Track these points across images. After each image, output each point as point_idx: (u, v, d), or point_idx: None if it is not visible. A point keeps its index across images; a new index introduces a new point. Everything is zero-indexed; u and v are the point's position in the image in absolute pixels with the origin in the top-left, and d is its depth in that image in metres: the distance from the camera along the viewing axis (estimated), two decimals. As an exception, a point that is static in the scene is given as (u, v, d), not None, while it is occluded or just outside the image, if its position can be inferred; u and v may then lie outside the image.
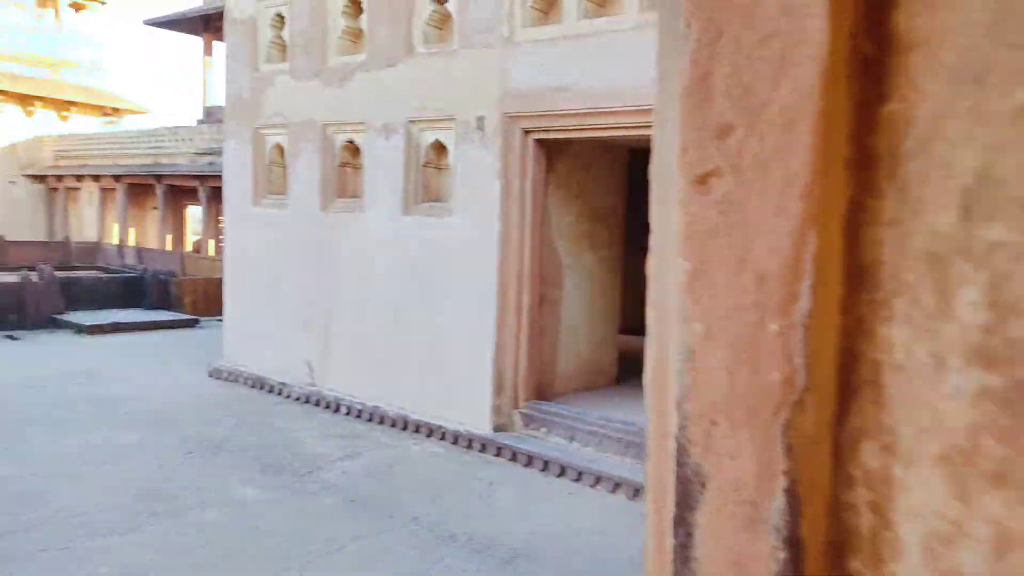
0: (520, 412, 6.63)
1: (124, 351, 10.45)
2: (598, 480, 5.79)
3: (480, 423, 6.63)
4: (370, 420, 7.40)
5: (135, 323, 12.31)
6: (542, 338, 6.88)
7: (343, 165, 7.70)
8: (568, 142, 6.65)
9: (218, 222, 25.11)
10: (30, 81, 27.54)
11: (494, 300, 6.51)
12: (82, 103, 28.74)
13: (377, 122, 7.18)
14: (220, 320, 14.03)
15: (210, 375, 9.02)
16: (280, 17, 7.97)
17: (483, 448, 6.58)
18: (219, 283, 15.51)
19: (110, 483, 5.48)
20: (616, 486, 5.70)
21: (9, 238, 23.43)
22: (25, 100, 27.45)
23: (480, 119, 6.50)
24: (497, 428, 6.60)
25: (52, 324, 12.00)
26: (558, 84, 5.98)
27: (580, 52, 5.85)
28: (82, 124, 29.01)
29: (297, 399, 8.07)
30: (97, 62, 29.84)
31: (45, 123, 28.20)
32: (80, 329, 11.68)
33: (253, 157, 8.28)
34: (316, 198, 7.76)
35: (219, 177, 21.06)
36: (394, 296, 7.23)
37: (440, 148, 6.99)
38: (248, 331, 8.69)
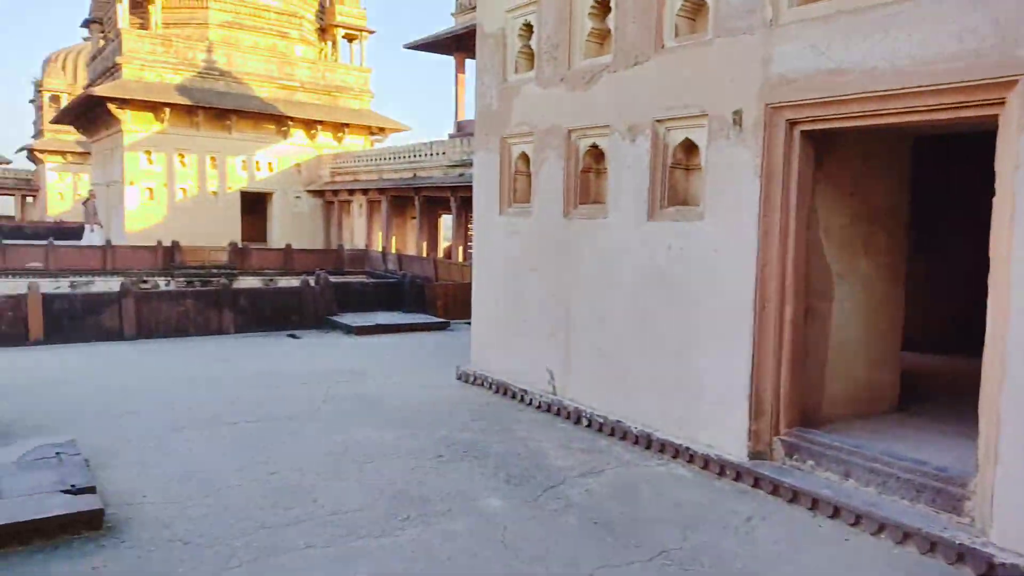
0: (782, 440, 5.91)
1: (384, 351, 11.24)
2: (881, 527, 4.93)
3: (733, 448, 6.02)
4: (611, 435, 7.10)
5: (394, 325, 13.26)
6: (807, 356, 6.09)
7: (585, 171, 7.49)
8: (841, 133, 5.81)
9: (467, 230, 26.60)
10: (313, 107, 31.38)
11: (751, 312, 5.87)
12: (354, 124, 32.15)
13: (622, 124, 6.86)
14: (468, 323, 14.69)
15: (458, 378, 9.33)
16: (528, 26, 7.99)
17: (737, 477, 5.96)
18: (468, 288, 16.29)
19: (368, 482, 5.74)
20: (905, 536, 4.80)
21: (295, 246, 26.90)
22: (309, 124, 31.35)
23: (737, 113, 5.90)
24: (753, 456, 5.94)
25: (326, 324, 13.31)
26: (834, 67, 5.21)
27: (862, 27, 5.04)
28: (353, 143, 32.45)
29: (538, 407, 8.01)
30: (365, 86, 33.18)
31: (324, 144, 31.96)
32: (348, 330, 12.82)
33: (500, 166, 8.40)
34: (558, 205, 7.64)
35: (469, 187, 22.23)
36: (638, 306, 6.86)
37: (689, 148, 6.50)
38: (493, 337, 8.84)
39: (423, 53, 25.66)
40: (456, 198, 23.21)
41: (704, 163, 6.24)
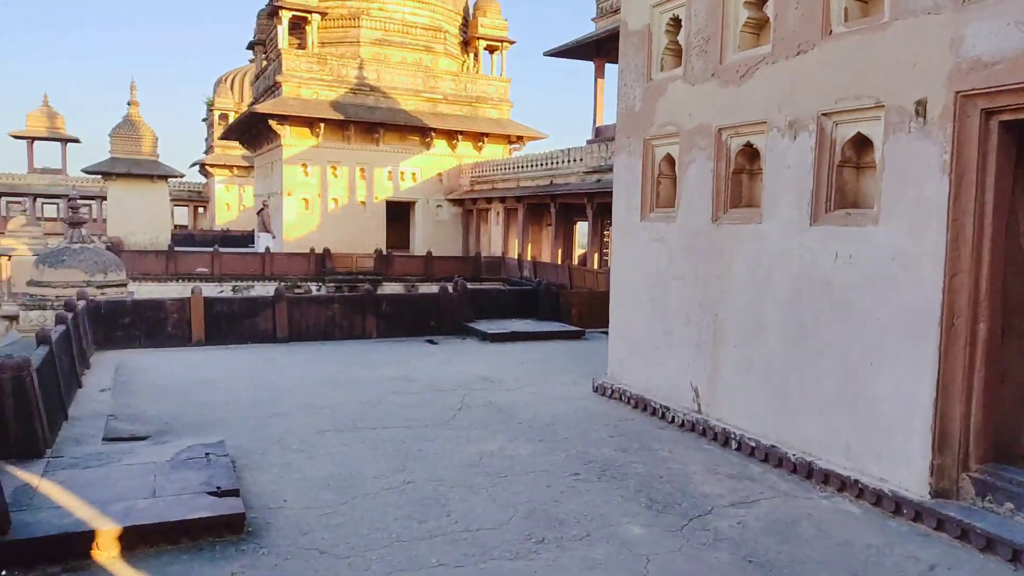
0: (972, 477, 5.10)
1: (519, 359, 11.08)
2: (1109, 594, 4.08)
3: (911, 484, 5.27)
4: (765, 460, 6.48)
5: (529, 332, 13.09)
6: (1004, 380, 5.24)
7: (738, 172, 6.93)
8: (1052, 123, 4.95)
9: (602, 236, 26.16)
10: (455, 118, 32.12)
11: (936, 328, 5.12)
12: (493, 133, 32.62)
13: (781, 120, 6.27)
14: (604, 332, 14.30)
15: (594, 390, 8.97)
16: (675, 21, 7.54)
17: (916, 517, 5.21)
18: (603, 296, 15.89)
19: (502, 498, 5.51)
20: None
21: (435, 254, 27.61)
22: (451, 135, 32.14)
23: (920, 103, 5.18)
24: (937, 494, 5.17)
25: (462, 331, 13.36)
26: (1047, 43, 4.42)
27: (1087, -6, 4.23)
28: (492, 152, 32.92)
29: (681, 425, 7.50)
30: (505, 96, 33.58)
31: (464, 153, 32.64)
32: (484, 336, 12.79)
33: (642, 170, 7.99)
34: (707, 209, 7.12)
35: (606, 193, 21.81)
36: (796, 318, 6.22)
37: (861, 143, 5.80)
38: (632, 348, 8.42)
39: (562, 60, 25.53)
40: (592, 204, 22.86)
41: (879, 160, 5.54)
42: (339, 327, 12.71)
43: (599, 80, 24.33)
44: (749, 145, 6.72)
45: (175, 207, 58.90)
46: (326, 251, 25.99)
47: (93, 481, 5.15)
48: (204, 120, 58.87)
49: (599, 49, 23.62)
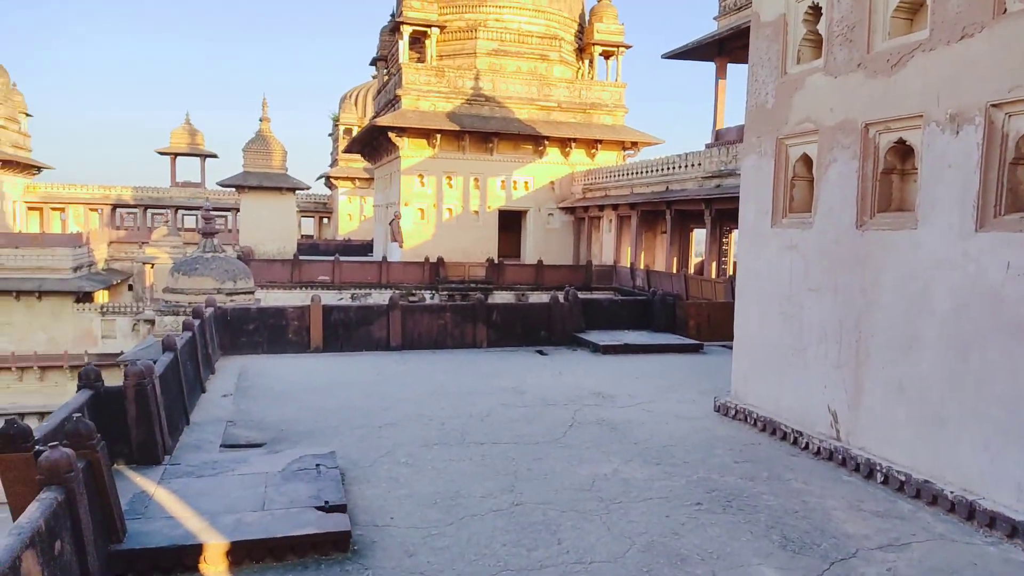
0: None
1: (633, 373, 10.58)
2: None
3: (1110, 539, 4.44)
4: (916, 497, 5.72)
5: (643, 345, 12.54)
6: None
7: (887, 172, 6.20)
8: None
9: (721, 244, 25.06)
10: (568, 126, 31.85)
11: None
12: (607, 140, 32.10)
13: (941, 113, 5.53)
14: (724, 346, 13.53)
15: (716, 409, 8.37)
16: (814, 9, 6.89)
17: (1116, 578, 4.38)
18: (723, 307, 15.02)
19: (617, 527, 5.10)
20: None
21: (545, 262, 27.37)
22: (564, 143, 31.87)
23: (1121, 86, 4.37)
24: None
25: (573, 341, 12.99)
26: None
27: None
28: (605, 159, 32.40)
29: (816, 453, 6.81)
30: (619, 102, 32.98)
31: (577, 161, 32.31)
32: (595, 348, 12.36)
33: (774, 171, 7.35)
34: (849, 214, 6.42)
35: (725, 199, 20.86)
36: (958, 336, 5.45)
37: (1040, 137, 5.00)
38: (760, 365, 7.77)
39: (679, 63, 24.76)
40: (711, 211, 21.90)
41: (1066, 155, 4.74)
42: (450, 336, 12.65)
43: (721, 81, 23.33)
44: (901, 142, 5.98)
45: (302, 218, 62.05)
46: (439, 260, 26.33)
47: (206, 491, 5.16)
48: (330, 135, 61.64)
49: (721, 48, 22.66)
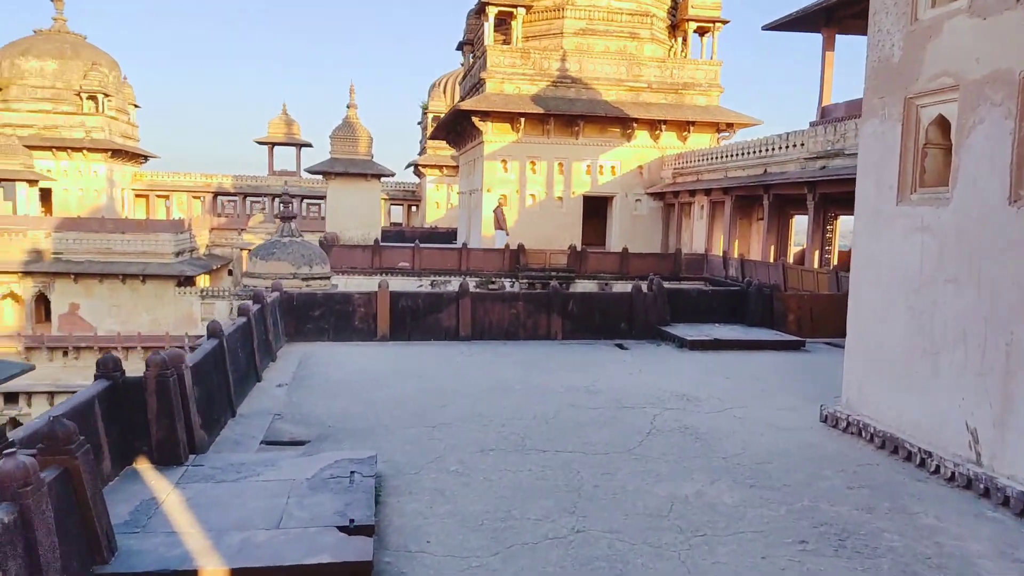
0: None
1: (723, 373, 9.46)
2: None
3: None
4: (1089, 545, 4.49)
5: (735, 341, 11.35)
6: None
7: (1053, 134, 4.91)
8: None
9: (824, 232, 23.15)
10: (658, 107, 30.35)
11: None
12: (700, 122, 30.41)
13: None
14: (829, 344, 12.09)
15: (822, 420, 7.19)
16: (952, -66, 5.61)
17: None
18: (829, 300, 13.46)
19: (699, 569, 4.15)
20: None
21: (631, 250, 26.11)
22: (653, 125, 30.38)
23: None
24: None
25: (657, 335, 11.93)
26: None
27: None
28: (697, 142, 30.74)
29: (949, 479, 5.60)
30: (714, 81, 31.18)
31: (667, 144, 30.78)
32: (681, 343, 11.27)
33: (901, 138, 6.11)
34: (1000, 187, 5.17)
35: (832, 182, 19.08)
36: None
37: None
38: (878, 369, 6.56)
39: (779, 39, 22.94)
40: (814, 195, 20.14)
41: None
42: (523, 326, 11.83)
43: (828, 53, 21.38)
44: (1076, 93, 4.70)
45: (392, 206, 62.75)
46: (520, 247, 25.53)
47: (221, 500, 4.54)
48: (419, 123, 61.94)
49: (829, 18, 20.73)
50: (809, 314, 12.79)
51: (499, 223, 27.57)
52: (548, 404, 7.66)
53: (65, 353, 31.14)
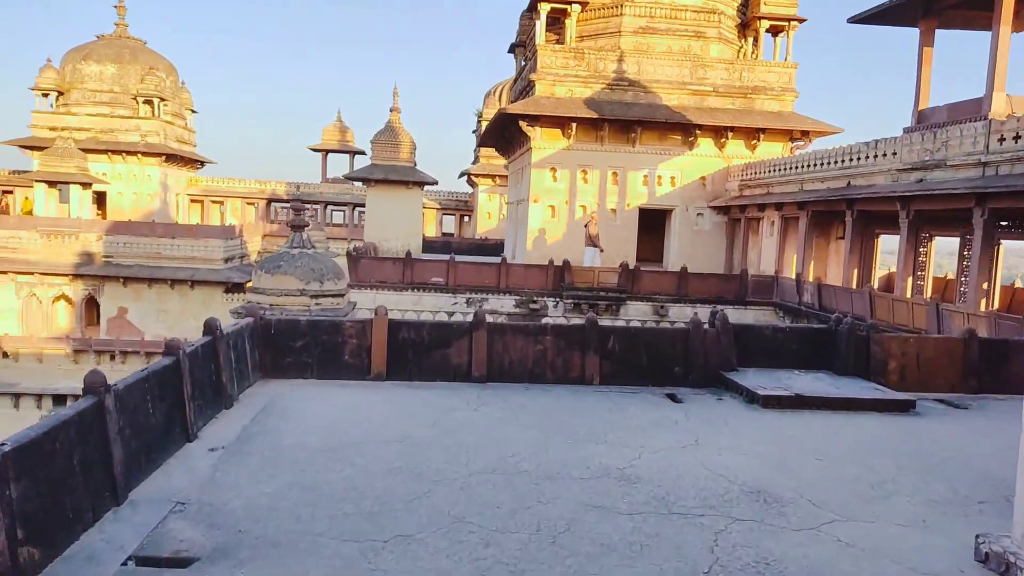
0: None
1: (812, 448, 7.00)
2: None
3: None
4: None
5: (824, 399, 8.79)
6: None
7: None
8: None
9: (918, 255, 20.12)
10: (725, 113, 27.65)
11: None
12: (771, 129, 27.56)
13: None
14: (942, 403, 9.20)
15: (981, 560, 4.68)
16: None
17: None
18: (938, 345, 10.00)
19: None
20: None
21: (691, 269, 23.46)
22: (719, 132, 27.70)
23: None
24: None
25: (719, 383, 9.49)
26: None
27: None
28: (768, 151, 27.90)
29: None
30: (788, 84, 28.32)
31: (734, 153, 28.04)
32: (752, 397, 8.80)
33: None
34: None
35: (930, 197, 16.11)
36: None
37: None
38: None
39: (864, 36, 20.13)
40: (908, 212, 17.28)
41: None
42: (551, 366, 9.55)
43: (926, 49, 18.50)
44: None
45: (444, 215, 61.25)
46: (565, 263, 23.12)
47: None
48: (473, 132, 60.34)
49: (927, 8, 17.91)
50: (915, 362, 10.13)
51: (592, 240, 25.08)
52: (562, 503, 5.35)
53: (112, 357, 30.52)
